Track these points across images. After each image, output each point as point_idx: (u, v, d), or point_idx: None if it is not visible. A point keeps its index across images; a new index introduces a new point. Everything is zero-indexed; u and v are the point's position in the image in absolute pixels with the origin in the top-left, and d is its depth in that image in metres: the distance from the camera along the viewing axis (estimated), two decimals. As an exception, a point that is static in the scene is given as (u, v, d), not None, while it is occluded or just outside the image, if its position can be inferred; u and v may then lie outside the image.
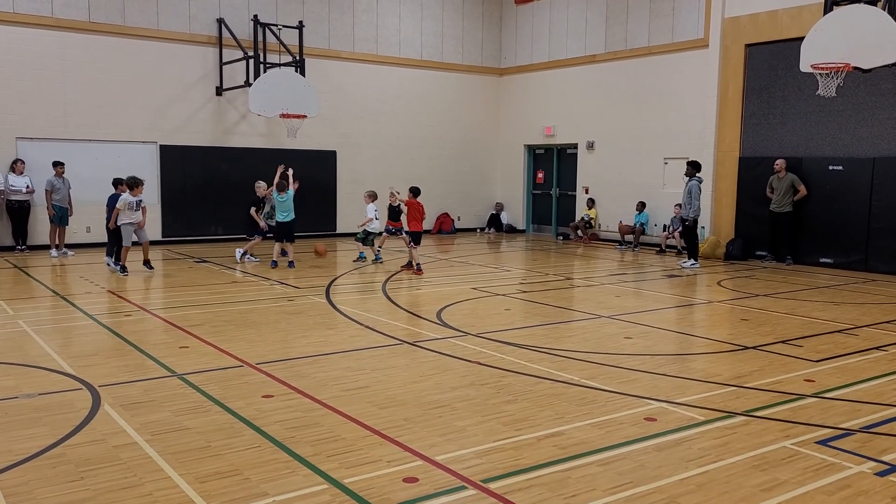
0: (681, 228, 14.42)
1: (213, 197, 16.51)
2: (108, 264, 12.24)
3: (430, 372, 6.33)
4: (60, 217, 13.96)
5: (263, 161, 16.89)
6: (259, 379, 6.02)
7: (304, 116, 15.36)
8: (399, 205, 13.01)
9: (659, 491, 3.97)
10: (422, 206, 12.17)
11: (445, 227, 19.96)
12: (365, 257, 13.76)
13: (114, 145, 15.55)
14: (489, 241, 18.58)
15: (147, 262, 12.00)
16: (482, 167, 20.78)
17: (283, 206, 12.57)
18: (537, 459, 4.38)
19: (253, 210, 13.29)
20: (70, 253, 14.07)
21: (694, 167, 13.61)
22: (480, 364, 6.56)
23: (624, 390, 5.80)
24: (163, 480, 4.02)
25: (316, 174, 17.38)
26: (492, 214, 20.81)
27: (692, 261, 13.66)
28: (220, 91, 16.57)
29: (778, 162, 14.06)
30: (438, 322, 8.37)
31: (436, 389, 5.79)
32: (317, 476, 4.10)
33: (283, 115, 15.10)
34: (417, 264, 11.98)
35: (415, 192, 12.36)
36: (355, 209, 18.12)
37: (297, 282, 11.13)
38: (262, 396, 5.53)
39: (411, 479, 4.05)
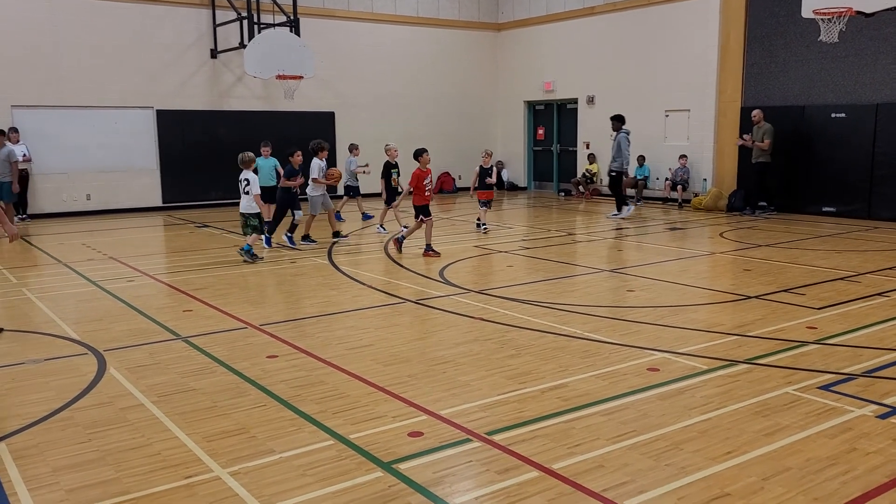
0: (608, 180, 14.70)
1: (212, 161, 16.41)
2: (288, 242, 10.71)
3: (434, 329, 6.35)
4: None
5: (261, 124, 16.81)
6: (263, 340, 6.05)
7: (301, 77, 15.19)
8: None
9: (662, 438, 4.00)
10: (421, 173, 9.96)
11: (446, 187, 19.86)
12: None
13: (110, 111, 15.43)
14: (490, 199, 18.49)
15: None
16: (482, 125, 20.60)
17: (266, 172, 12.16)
18: (541, 411, 4.42)
19: (395, 178, 12.01)
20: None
21: (619, 120, 13.88)
22: (484, 320, 6.58)
23: (627, 342, 5.82)
24: (170, 440, 4.06)
25: (314, 136, 17.17)
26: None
27: (616, 212, 14.01)
28: (214, 54, 16.36)
29: (755, 112, 13.98)
30: (441, 280, 8.38)
31: (440, 346, 5.82)
32: (322, 432, 4.14)
33: (279, 77, 14.93)
34: (428, 245, 10.01)
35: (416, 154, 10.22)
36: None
37: (299, 244, 11.11)
38: (267, 357, 5.56)
39: (416, 434, 4.09)
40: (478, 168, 12.24)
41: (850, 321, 6.35)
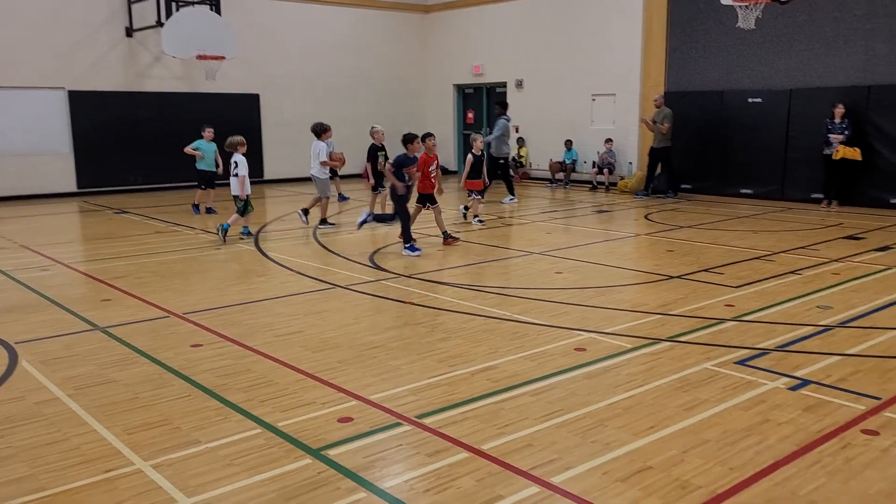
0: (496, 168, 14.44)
1: (129, 145, 15.79)
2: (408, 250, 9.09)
3: (364, 314, 6.31)
4: None
5: (182, 105, 16.28)
6: (187, 329, 5.88)
7: (223, 58, 14.74)
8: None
9: (588, 416, 4.09)
10: (428, 159, 9.63)
11: (376, 170, 19.70)
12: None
13: (17, 92, 14.63)
14: (420, 182, 18.45)
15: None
16: (412, 108, 20.47)
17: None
18: (471, 393, 4.45)
19: (381, 161, 11.11)
20: None
21: (502, 106, 14.06)
22: (414, 304, 6.57)
23: (555, 323, 5.92)
24: (88, 434, 3.91)
25: (238, 118, 16.79)
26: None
27: (511, 196, 14.17)
28: (130, 32, 15.69)
29: (656, 97, 14.45)
30: (371, 265, 8.32)
31: (370, 331, 5.78)
32: (250, 421, 4.06)
33: (199, 57, 14.46)
34: (444, 232, 9.62)
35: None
36: (283, 154, 17.75)
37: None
38: (191, 346, 5.41)
39: (346, 419, 4.06)
40: (470, 156, 11.27)
41: (765, 298, 6.62)
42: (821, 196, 13.13)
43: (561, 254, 8.93)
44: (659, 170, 14.79)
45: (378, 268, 8.14)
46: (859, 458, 3.56)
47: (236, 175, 9.79)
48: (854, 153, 12.39)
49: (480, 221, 11.30)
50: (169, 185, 16.29)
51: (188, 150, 12.45)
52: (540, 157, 18.02)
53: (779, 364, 4.90)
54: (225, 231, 9.69)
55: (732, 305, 6.39)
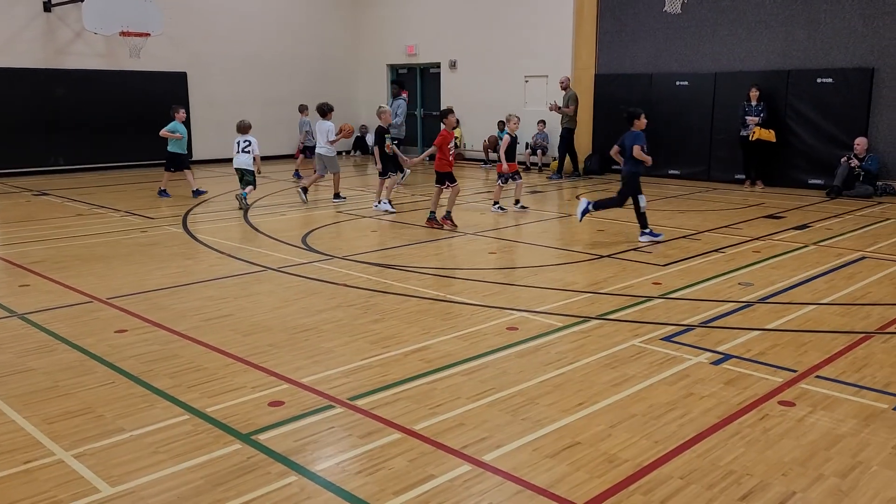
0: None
1: (48, 124, 15.12)
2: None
3: (296, 296, 6.23)
4: None
5: (105, 84, 15.67)
6: (111, 314, 5.69)
7: (148, 35, 14.24)
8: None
9: (519, 394, 4.15)
10: (448, 135, 9.43)
11: (309, 152, 19.40)
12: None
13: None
14: (355, 163, 18.29)
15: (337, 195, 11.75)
16: (344, 88, 20.20)
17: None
18: (404, 374, 4.45)
19: (388, 142, 10.71)
20: None
21: (399, 86, 13.88)
22: (347, 286, 6.52)
23: (488, 303, 5.97)
24: (6, 424, 3.76)
25: (164, 97, 16.25)
26: (357, 137, 20.41)
27: (403, 172, 13.54)
28: (48, 6, 14.96)
29: (562, 78, 14.73)
30: (304, 247, 8.21)
31: (302, 313, 5.72)
32: (177, 407, 3.97)
33: (122, 33, 13.92)
34: (447, 212, 9.46)
35: (441, 116, 9.64)
36: (212, 134, 17.29)
37: (151, 212, 10.53)
38: (115, 332, 5.24)
39: (277, 403, 4.01)
40: (507, 136, 10.59)
41: (690, 276, 6.83)
42: (743, 177, 13.61)
43: (494, 234, 9.00)
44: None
45: (311, 249, 8.04)
46: (776, 428, 3.72)
47: (246, 151, 10.95)
48: (769, 135, 12.86)
49: (501, 209, 10.64)
50: (92, 165, 15.69)
51: (164, 133, 12.03)
52: (473, 138, 18.08)
53: (702, 340, 5.07)
54: (245, 198, 10.84)
55: (660, 283, 6.57)
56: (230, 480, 3.22)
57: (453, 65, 18.37)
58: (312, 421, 3.80)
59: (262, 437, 3.61)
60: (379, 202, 10.77)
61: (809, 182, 13.01)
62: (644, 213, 8.55)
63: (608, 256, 7.70)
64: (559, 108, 14.51)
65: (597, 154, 15.49)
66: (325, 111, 11.58)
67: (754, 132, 12.88)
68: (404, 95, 14.48)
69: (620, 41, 15.23)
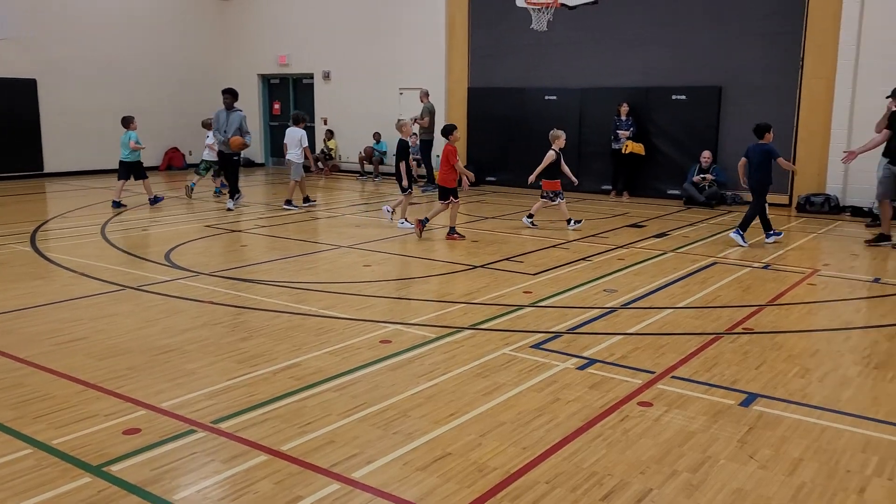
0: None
1: None
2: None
3: (158, 316, 5.91)
4: None
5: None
6: (-55, 342, 5.18)
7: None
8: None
9: (391, 407, 4.11)
10: (452, 149, 9.39)
11: (175, 163, 18.63)
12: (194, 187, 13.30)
13: None
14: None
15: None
16: (213, 97, 19.42)
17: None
18: (272, 393, 4.31)
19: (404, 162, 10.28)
20: None
21: (233, 96, 12.31)
22: (214, 303, 6.27)
23: (361, 316, 5.90)
24: None
25: (9, 107, 15.11)
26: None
27: (239, 194, 12.37)
28: None
29: (420, 91, 15.10)
30: (167, 263, 7.83)
31: (164, 334, 5.43)
32: (19, 441, 3.65)
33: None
34: (451, 227, 9.53)
35: (446, 131, 9.45)
36: (66, 145, 16.23)
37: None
38: (-51, 361, 4.78)
39: (133, 431, 3.77)
40: (552, 152, 10.27)
41: (559, 284, 7.05)
42: (609, 188, 14.26)
43: (370, 247, 8.94)
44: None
45: (174, 266, 7.67)
46: (635, 428, 3.88)
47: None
48: (640, 148, 13.61)
49: (577, 224, 10.24)
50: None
51: (134, 145, 11.75)
52: (349, 149, 17.96)
53: (570, 346, 5.23)
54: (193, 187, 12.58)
55: (530, 292, 6.74)
56: (77, 518, 2.99)
57: (327, 76, 18.19)
58: (172, 448, 3.60)
59: (114, 469, 3.37)
60: (404, 220, 10.31)
61: (668, 192, 13.80)
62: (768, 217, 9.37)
63: (481, 267, 7.82)
64: (415, 121, 14.66)
65: (471, 165, 15.72)
66: (297, 120, 12.30)
67: (627, 146, 13.56)
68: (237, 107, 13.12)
69: (494, 55, 15.60)
